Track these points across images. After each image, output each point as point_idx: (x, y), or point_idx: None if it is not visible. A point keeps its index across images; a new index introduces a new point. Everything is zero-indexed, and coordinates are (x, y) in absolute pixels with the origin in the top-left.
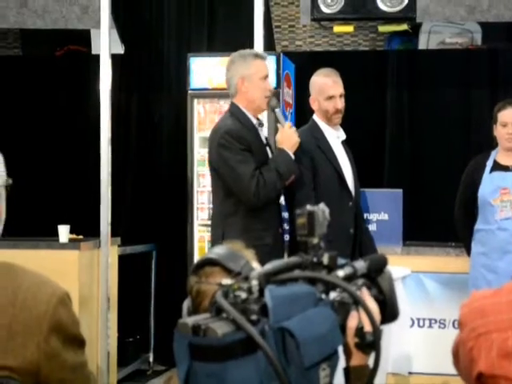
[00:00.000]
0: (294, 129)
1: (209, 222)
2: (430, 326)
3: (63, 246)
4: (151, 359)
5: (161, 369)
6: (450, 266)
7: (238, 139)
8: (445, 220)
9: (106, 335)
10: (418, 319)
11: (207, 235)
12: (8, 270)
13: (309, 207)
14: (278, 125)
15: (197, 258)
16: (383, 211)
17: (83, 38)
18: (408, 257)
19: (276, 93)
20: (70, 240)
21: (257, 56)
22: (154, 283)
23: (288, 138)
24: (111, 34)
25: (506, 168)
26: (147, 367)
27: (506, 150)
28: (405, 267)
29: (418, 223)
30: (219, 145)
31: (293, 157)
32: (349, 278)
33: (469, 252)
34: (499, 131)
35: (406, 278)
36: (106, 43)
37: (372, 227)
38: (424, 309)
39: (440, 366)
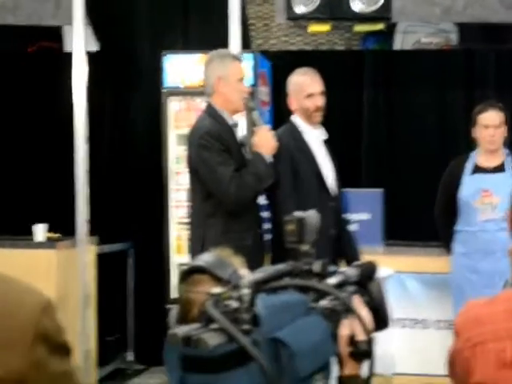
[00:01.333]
0: (271, 132)
1: (186, 220)
2: (413, 327)
3: (40, 246)
4: (131, 358)
5: (140, 368)
6: (431, 266)
7: (218, 140)
8: (425, 219)
9: (84, 334)
10: (400, 320)
11: (184, 233)
12: None
13: (298, 213)
14: (255, 127)
15: (174, 255)
16: (364, 211)
17: (55, 33)
18: (389, 257)
19: (252, 94)
20: (47, 239)
21: (234, 58)
22: (133, 281)
23: (265, 142)
24: (85, 31)
25: (486, 170)
26: (127, 366)
27: (487, 151)
28: (386, 267)
29: (398, 222)
30: (199, 145)
31: (269, 160)
32: (340, 286)
33: (449, 251)
34: (481, 133)
35: (388, 278)
36: (80, 40)
37: (353, 227)
38: (406, 309)
39: (423, 366)
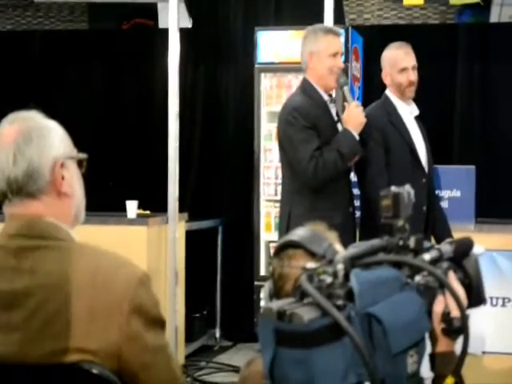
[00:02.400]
0: (360, 108)
1: (275, 198)
2: (504, 305)
3: (132, 222)
4: (218, 335)
5: (227, 344)
6: None
7: (304, 116)
8: None
9: (173, 310)
10: (491, 298)
11: (273, 210)
12: (86, 250)
13: (394, 188)
14: (345, 103)
15: (263, 233)
16: (455, 188)
17: (149, 11)
18: (480, 234)
19: (345, 70)
20: (138, 215)
21: (328, 31)
22: (221, 258)
23: (353, 117)
24: (179, 8)
25: None
26: (214, 343)
27: None
28: (478, 245)
29: (490, 200)
30: (285, 121)
31: (357, 137)
32: (434, 262)
33: None
34: None
35: (480, 255)
36: (174, 17)
37: (444, 204)
38: (497, 287)
39: None
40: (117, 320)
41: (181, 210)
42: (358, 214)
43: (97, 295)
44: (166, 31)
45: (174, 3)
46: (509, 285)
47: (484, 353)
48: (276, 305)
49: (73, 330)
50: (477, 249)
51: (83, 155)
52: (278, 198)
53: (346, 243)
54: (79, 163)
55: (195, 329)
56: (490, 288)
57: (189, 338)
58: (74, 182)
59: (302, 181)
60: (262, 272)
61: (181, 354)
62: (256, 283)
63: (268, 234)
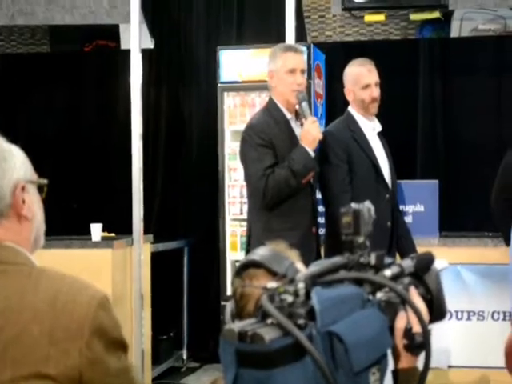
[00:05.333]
0: (316, 124)
1: (241, 217)
2: (469, 319)
3: (96, 245)
4: (185, 356)
5: (195, 366)
6: (488, 257)
7: (258, 133)
8: (481, 209)
9: (140, 333)
10: (457, 312)
11: (239, 230)
12: (45, 274)
13: (354, 205)
14: (303, 119)
15: (229, 252)
16: (419, 203)
17: (111, 32)
18: (445, 248)
19: (307, 87)
20: (103, 238)
21: (287, 49)
22: (187, 279)
23: (307, 134)
24: (141, 29)
25: None
26: (181, 364)
27: None
28: (442, 259)
29: (454, 214)
30: (242, 139)
31: (311, 153)
32: (395, 278)
33: (508, 241)
34: None
35: (444, 270)
36: (136, 38)
37: (408, 219)
38: (462, 301)
39: (480, 358)
40: (77, 344)
41: (146, 231)
42: (323, 231)
43: (57, 319)
44: (128, 52)
45: (136, 24)
46: (474, 298)
47: (450, 367)
48: (237, 325)
49: (32, 356)
50: (440, 263)
51: (43, 180)
52: (244, 216)
53: (306, 264)
54: (39, 188)
55: (162, 351)
56: (455, 301)
57: (156, 361)
58: (34, 206)
59: (257, 199)
60: (229, 292)
61: (148, 376)
62: (222, 303)
63: (234, 254)
